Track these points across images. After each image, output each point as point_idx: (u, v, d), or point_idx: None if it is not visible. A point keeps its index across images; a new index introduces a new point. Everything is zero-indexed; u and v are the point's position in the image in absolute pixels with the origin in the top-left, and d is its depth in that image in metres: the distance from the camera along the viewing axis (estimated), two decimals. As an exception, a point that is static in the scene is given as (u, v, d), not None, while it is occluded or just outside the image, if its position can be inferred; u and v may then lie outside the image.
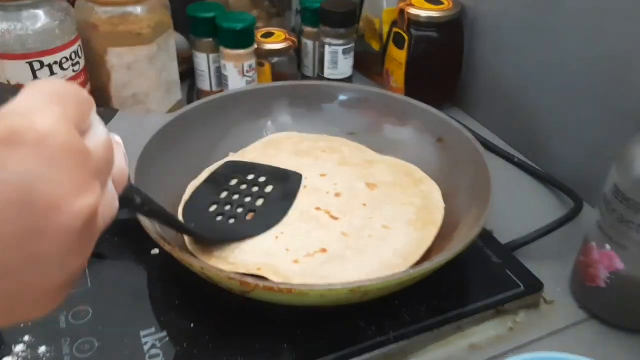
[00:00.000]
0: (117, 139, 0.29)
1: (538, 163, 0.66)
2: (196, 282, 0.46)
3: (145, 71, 0.65)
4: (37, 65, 0.58)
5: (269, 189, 0.55)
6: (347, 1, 0.75)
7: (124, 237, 0.52)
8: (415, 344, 0.45)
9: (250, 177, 0.56)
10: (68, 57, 0.60)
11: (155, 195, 0.50)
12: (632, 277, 0.44)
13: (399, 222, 0.51)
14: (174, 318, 0.45)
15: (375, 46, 0.81)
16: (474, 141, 0.55)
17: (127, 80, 0.65)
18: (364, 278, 0.45)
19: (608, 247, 0.45)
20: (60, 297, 0.24)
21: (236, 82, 0.71)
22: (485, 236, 0.53)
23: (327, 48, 0.74)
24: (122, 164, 0.28)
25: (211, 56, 0.72)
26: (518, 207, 0.59)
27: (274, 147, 0.61)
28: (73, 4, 0.63)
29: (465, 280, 0.50)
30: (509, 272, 0.50)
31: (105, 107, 0.54)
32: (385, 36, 0.76)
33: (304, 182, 0.56)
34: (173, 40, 0.68)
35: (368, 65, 0.82)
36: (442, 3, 0.71)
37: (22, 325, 0.44)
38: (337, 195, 0.54)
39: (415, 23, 0.70)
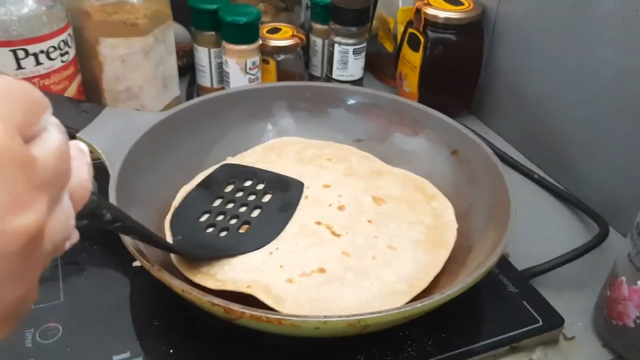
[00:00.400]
0: (81, 146, 0.25)
1: (560, 181, 0.61)
2: (179, 302, 0.42)
3: (140, 64, 0.60)
4: (21, 54, 0.54)
5: (266, 198, 0.50)
6: (360, -2, 0.70)
7: (104, 245, 0.48)
8: (419, 383, 0.40)
9: (248, 183, 0.52)
10: (56, 46, 0.55)
11: (142, 200, 0.47)
12: (667, 319, 0.40)
13: (406, 243, 0.47)
14: (152, 342, 0.41)
15: (389, 47, 0.76)
16: (492, 156, 0.50)
17: (120, 73, 0.60)
18: (364, 305, 0.41)
19: (641, 284, 0.40)
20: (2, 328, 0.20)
21: (238, 79, 0.66)
22: (500, 261, 0.48)
23: (336, 47, 0.69)
24: (84, 176, 0.24)
25: (213, 51, 0.67)
26: (536, 229, 0.55)
27: (275, 152, 0.56)
28: (65, -11, 0.58)
29: (477, 311, 0.45)
30: (526, 304, 0.45)
31: (92, 103, 0.50)
32: (399, 37, 0.72)
33: (305, 192, 0.51)
34: (171, 32, 0.64)
35: (380, 67, 0.78)
36: (462, 3, 0.67)
37: (-17, 342, 0.40)
38: (341, 208, 0.50)
39: (432, 24, 0.66)
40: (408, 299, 0.42)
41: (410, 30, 0.68)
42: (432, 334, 0.42)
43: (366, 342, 0.41)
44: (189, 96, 0.72)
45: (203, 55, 0.68)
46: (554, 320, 0.44)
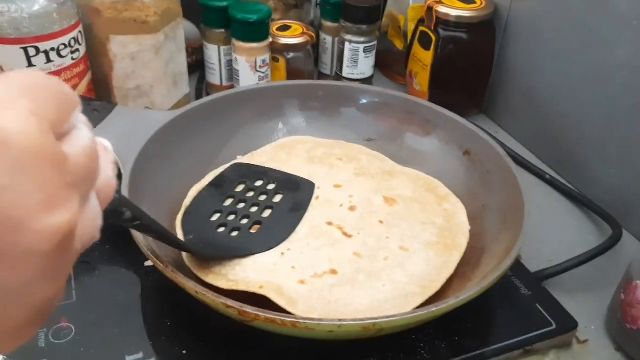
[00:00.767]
0: (105, 144, 0.25)
1: (572, 182, 0.61)
2: (191, 302, 0.42)
3: (150, 62, 0.60)
4: (32, 52, 0.53)
5: (277, 198, 0.50)
6: (371, -5, 0.69)
7: (115, 245, 0.48)
8: (432, 387, 0.40)
9: (259, 183, 0.52)
10: (67, 43, 0.55)
11: (154, 199, 0.46)
12: (683, 324, 0.39)
13: (418, 244, 0.46)
14: (164, 342, 0.41)
15: (399, 45, 0.76)
16: (505, 157, 0.49)
17: (131, 71, 0.60)
18: (376, 307, 0.41)
19: (657, 288, 0.40)
20: (26, 333, 0.20)
21: (248, 77, 0.66)
22: (512, 263, 0.48)
23: (347, 45, 0.69)
24: (109, 174, 0.24)
25: (223, 48, 0.67)
26: (549, 230, 0.54)
27: (286, 151, 0.56)
28: (75, -14, 0.58)
29: (490, 314, 0.45)
30: (539, 307, 0.45)
31: (103, 101, 0.49)
32: (410, 35, 0.71)
33: (316, 193, 0.51)
34: (182, 30, 0.63)
35: (390, 65, 0.77)
36: (474, 2, 0.66)
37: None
38: (352, 209, 0.50)
39: (444, 22, 0.65)
40: (421, 301, 0.42)
41: (421, 28, 0.68)
42: (445, 336, 0.42)
43: (379, 345, 0.41)
44: (198, 94, 0.71)
45: (213, 53, 0.68)
46: (567, 324, 0.44)
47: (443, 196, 0.52)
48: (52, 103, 0.20)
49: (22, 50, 0.53)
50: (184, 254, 0.44)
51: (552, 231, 0.55)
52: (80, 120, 0.22)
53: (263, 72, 0.66)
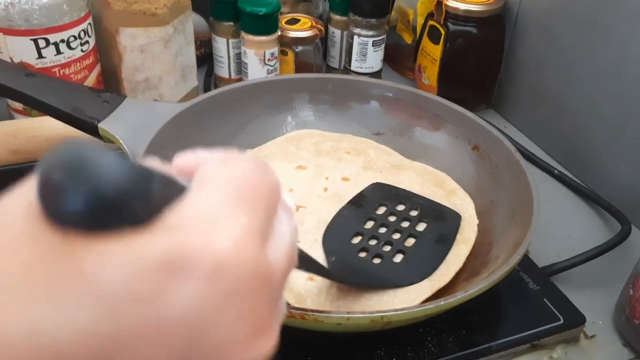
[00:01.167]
0: (290, 205, 0.22)
1: (581, 178, 0.61)
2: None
3: (159, 54, 0.60)
4: (42, 43, 0.54)
5: (421, 226, 0.47)
6: (380, -11, 0.69)
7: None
8: (439, 379, 0.40)
9: (400, 207, 0.49)
10: (76, 35, 0.55)
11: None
12: (692, 320, 0.39)
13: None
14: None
15: (408, 39, 0.75)
16: (515, 153, 0.49)
17: (139, 63, 0.60)
18: (385, 301, 0.41)
19: (666, 284, 0.39)
20: None
21: (256, 70, 0.66)
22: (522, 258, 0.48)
23: (355, 39, 0.68)
24: (295, 252, 0.21)
25: (231, 41, 0.67)
26: (557, 226, 0.54)
27: (294, 144, 0.56)
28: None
29: (497, 308, 0.45)
30: (547, 302, 0.45)
31: (112, 93, 0.49)
32: (419, 29, 0.71)
33: (324, 184, 0.51)
34: (190, 23, 0.63)
35: (398, 59, 0.77)
36: (483, -4, 0.66)
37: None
38: (360, 203, 0.49)
39: (453, 16, 0.65)
40: (429, 294, 0.42)
41: (430, 22, 0.68)
42: (453, 330, 0.42)
43: (387, 338, 0.41)
44: (207, 87, 0.71)
45: (221, 45, 0.68)
46: (575, 319, 0.44)
47: (451, 191, 0.52)
48: (264, 206, 0.18)
49: (32, 42, 0.53)
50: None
51: (561, 226, 0.54)
52: (281, 208, 0.20)
53: (271, 65, 0.66)
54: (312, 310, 0.35)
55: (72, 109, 0.46)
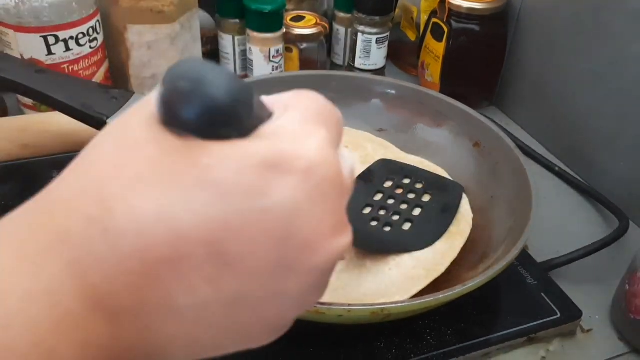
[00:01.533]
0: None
1: (581, 175, 0.61)
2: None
3: (166, 51, 0.61)
4: (51, 40, 0.55)
5: (426, 197, 0.50)
6: (384, -13, 0.70)
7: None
8: (438, 371, 0.41)
9: (406, 181, 0.52)
10: (85, 32, 0.56)
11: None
12: (685, 315, 0.40)
13: None
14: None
15: (411, 36, 0.76)
16: (514, 149, 0.50)
17: (147, 60, 0.61)
18: (383, 290, 0.42)
19: (660, 280, 0.40)
20: (283, 331, 0.22)
21: (261, 67, 0.67)
22: (519, 253, 0.49)
23: (359, 36, 0.69)
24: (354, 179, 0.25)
25: (237, 38, 0.68)
26: (556, 222, 0.55)
27: None
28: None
29: (496, 302, 0.46)
30: (545, 296, 0.46)
31: (120, 89, 0.51)
32: (422, 26, 0.72)
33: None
34: (197, 20, 0.64)
35: (402, 55, 0.78)
36: (486, -6, 0.66)
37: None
38: (359, 196, 0.51)
39: (457, 14, 0.66)
40: (426, 283, 0.43)
41: (434, 20, 0.68)
42: (452, 323, 0.43)
43: (386, 331, 0.42)
44: (213, 83, 0.72)
45: (227, 42, 0.69)
46: (572, 313, 0.45)
47: (448, 185, 0.53)
48: (336, 129, 0.21)
49: (42, 39, 0.54)
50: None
51: (560, 222, 0.55)
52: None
53: (276, 62, 0.67)
54: None
55: (81, 105, 0.47)
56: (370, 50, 0.70)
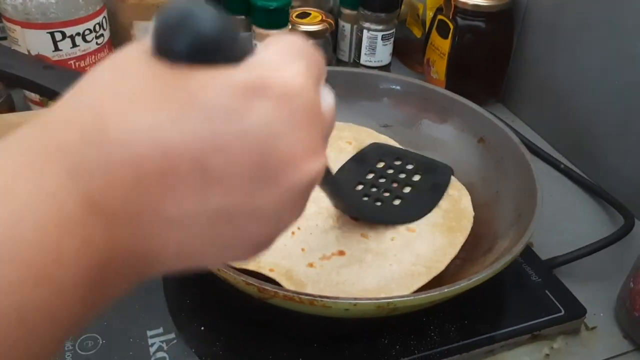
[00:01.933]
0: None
1: (586, 172, 0.61)
2: (209, 282, 0.43)
3: (172, 47, 0.61)
4: (58, 36, 0.55)
5: (416, 177, 0.53)
6: (390, -17, 0.70)
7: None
8: (441, 368, 0.41)
9: (397, 162, 0.54)
10: (92, 28, 0.57)
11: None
12: (690, 312, 0.40)
13: (424, 225, 0.48)
14: (184, 319, 0.42)
15: (417, 33, 0.76)
16: (519, 145, 0.50)
17: (153, 56, 0.61)
18: (383, 286, 0.43)
19: (665, 277, 0.40)
20: (264, 248, 0.24)
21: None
22: (525, 250, 0.48)
23: (365, 33, 0.69)
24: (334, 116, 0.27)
25: (243, 35, 0.68)
26: (561, 219, 0.55)
27: None
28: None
29: (500, 299, 0.46)
30: (549, 294, 0.46)
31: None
32: (428, 23, 0.71)
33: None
34: (203, 16, 0.64)
35: (407, 52, 0.78)
36: (492, -9, 0.66)
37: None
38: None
39: (462, 11, 0.66)
40: (426, 280, 0.43)
41: (439, 16, 0.68)
42: (456, 320, 0.43)
43: (390, 327, 0.42)
44: (218, 79, 0.72)
45: (233, 39, 0.69)
46: (576, 310, 0.45)
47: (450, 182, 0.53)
48: (316, 66, 0.23)
49: (49, 35, 0.55)
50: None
51: (566, 220, 0.55)
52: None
53: (282, 59, 0.67)
54: (320, 296, 0.37)
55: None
56: (376, 47, 0.70)
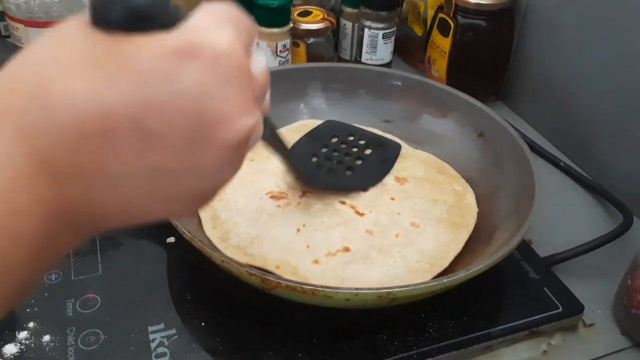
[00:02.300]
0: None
1: (586, 170, 0.61)
2: (211, 277, 0.44)
3: (174, 46, 0.62)
4: (61, 34, 0.55)
5: (367, 151, 0.55)
6: (391, -18, 0.70)
7: (140, 222, 0.50)
8: (439, 363, 0.41)
9: (350, 138, 0.57)
10: (94, 27, 0.57)
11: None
12: (687, 309, 0.40)
13: (429, 220, 0.48)
14: (185, 315, 0.43)
15: (418, 31, 0.76)
16: (518, 139, 0.51)
17: (155, 54, 0.62)
18: (387, 283, 0.43)
19: (662, 274, 0.40)
20: (206, 202, 0.26)
21: (269, 61, 0.67)
22: (523, 247, 0.49)
23: (366, 31, 0.70)
24: (268, 94, 0.29)
25: (244, 33, 0.68)
26: (560, 216, 0.55)
27: (301, 135, 0.58)
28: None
29: (498, 295, 0.46)
30: (547, 291, 0.46)
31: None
32: (429, 21, 0.72)
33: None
34: (205, 15, 0.65)
35: (409, 50, 0.78)
36: (493, -11, 0.66)
37: (28, 309, 0.42)
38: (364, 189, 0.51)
39: (463, 9, 0.66)
40: (430, 277, 0.43)
41: (440, 15, 0.68)
42: (454, 316, 0.43)
43: (389, 323, 0.42)
44: (220, 77, 0.73)
45: (235, 37, 0.69)
46: (574, 307, 0.45)
47: (454, 177, 0.53)
48: (246, 31, 0.24)
49: (52, 33, 0.55)
50: (206, 228, 0.47)
51: (565, 218, 0.55)
52: (255, 47, 0.26)
53: (283, 57, 0.67)
54: (322, 287, 0.37)
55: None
56: (377, 45, 0.70)
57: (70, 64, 0.21)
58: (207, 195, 0.25)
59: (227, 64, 0.22)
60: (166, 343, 0.41)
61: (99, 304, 0.43)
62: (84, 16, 0.22)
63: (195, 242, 0.39)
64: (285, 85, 0.59)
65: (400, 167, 0.54)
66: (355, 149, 0.55)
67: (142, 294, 0.44)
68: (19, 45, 0.56)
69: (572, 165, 0.62)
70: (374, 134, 0.57)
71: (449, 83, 0.69)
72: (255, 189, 0.51)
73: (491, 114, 0.54)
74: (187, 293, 0.44)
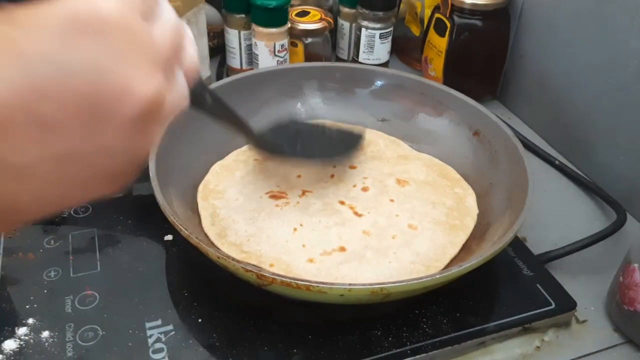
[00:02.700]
0: (187, 30, 0.28)
1: (580, 168, 0.62)
2: (208, 274, 0.44)
3: (172, 46, 0.62)
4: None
5: (332, 134, 0.55)
6: (388, -18, 0.71)
7: (138, 220, 0.51)
8: (433, 359, 0.42)
9: (315, 127, 0.56)
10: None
11: (177, 173, 0.49)
12: (677, 306, 0.41)
13: (427, 222, 0.49)
14: (182, 311, 0.43)
15: (415, 31, 0.77)
16: (512, 137, 0.51)
17: (154, 54, 0.62)
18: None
19: (653, 271, 0.41)
20: (127, 178, 0.25)
21: (267, 61, 0.68)
22: (517, 244, 0.50)
23: (363, 31, 0.70)
24: (192, 53, 0.27)
25: (243, 33, 0.69)
26: (554, 214, 0.56)
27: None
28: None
29: (491, 292, 0.47)
30: (540, 287, 0.46)
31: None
32: (426, 21, 0.72)
33: (331, 171, 0.53)
34: (203, 15, 0.65)
35: (406, 50, 0.79)
36: (489, -11, 0.67)
37: (27, 306, 0.43)
38: (365, 189, 0.52)
39: (459, 9, 0.66)
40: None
41: (437, 15, 0.69)
42: (447, 312, 0.44)
43: (383, 319, 0.43)
44: (219, 77, 0.73)
45: (233, 37, 0.70)
46: (567, 304, 0.45)
47: (455, 181, 0.54)
48: None
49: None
50: (204, 224, 0.47)
51: (560, 216, 0.56)
52: (164, 3, 0.25)
53: (281, 57, 0.68)
54: (316, 282, 0.37)
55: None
56: (374, 45, 0.70)
57: None
58: (126, 170, 0.24)
59: (116, 33, 0.21)
60: (163, 339, 0.41)
61: (97, 301, 0.44)
62: None
63: (192, 238, 0.40)
64: (282, 85, 0.60)
65: (402, 169, 0.54)
66: (319, 134, 0.55)
67: (140, 290, 0.45)
68: None
69: (567, 163, 0.63)
70: (338, 126, 0.56)
71: (445, 82, 0.69)
72: (256, 188, 0.51)
73: (486, 112, 0.55)
74: (184, 290, 0.45)
